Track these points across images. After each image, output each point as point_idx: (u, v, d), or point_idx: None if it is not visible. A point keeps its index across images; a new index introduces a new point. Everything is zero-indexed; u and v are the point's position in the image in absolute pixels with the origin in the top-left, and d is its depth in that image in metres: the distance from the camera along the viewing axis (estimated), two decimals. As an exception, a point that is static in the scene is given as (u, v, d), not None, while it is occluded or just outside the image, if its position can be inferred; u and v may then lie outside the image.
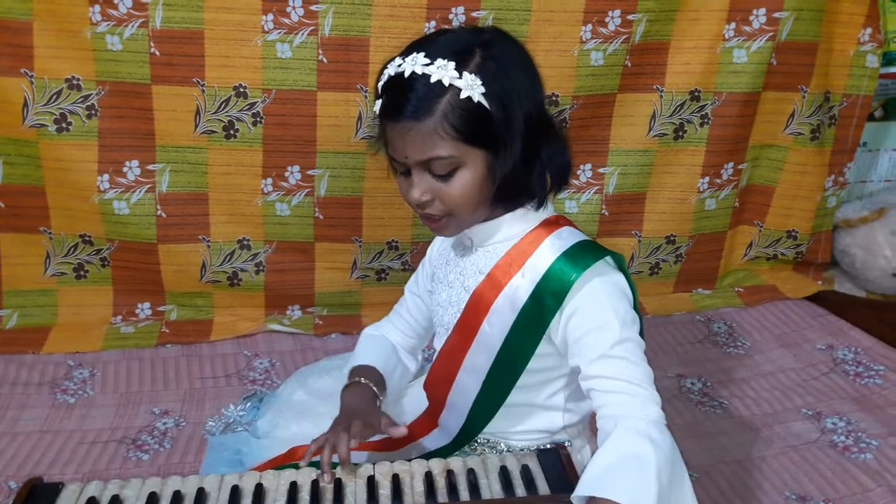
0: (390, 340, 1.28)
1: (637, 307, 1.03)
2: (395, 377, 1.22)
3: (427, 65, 0.93)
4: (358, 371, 1.18)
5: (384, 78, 0.98)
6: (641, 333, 1.01)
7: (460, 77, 0.92)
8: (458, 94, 0.92)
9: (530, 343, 1.02)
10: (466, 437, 1.13)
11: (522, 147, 0.97)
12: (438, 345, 1.14)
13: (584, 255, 1.00)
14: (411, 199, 0.99)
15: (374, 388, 1.13)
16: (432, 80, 0.92)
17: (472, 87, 0.92)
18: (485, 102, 0.93)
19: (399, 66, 0.95)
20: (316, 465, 1.06)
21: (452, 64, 0.92)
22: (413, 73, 0.93)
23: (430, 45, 0.95)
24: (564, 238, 1.03)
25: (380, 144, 1.02)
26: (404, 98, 0.93)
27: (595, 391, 0.97)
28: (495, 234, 1.06)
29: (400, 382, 1.25)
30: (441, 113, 0.93)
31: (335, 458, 1.00)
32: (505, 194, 1.01)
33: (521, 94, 0.96)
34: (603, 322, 0.97)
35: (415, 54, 0.94)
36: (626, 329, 0.97)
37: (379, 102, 0.98)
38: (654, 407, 0.95)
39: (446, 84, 0.92)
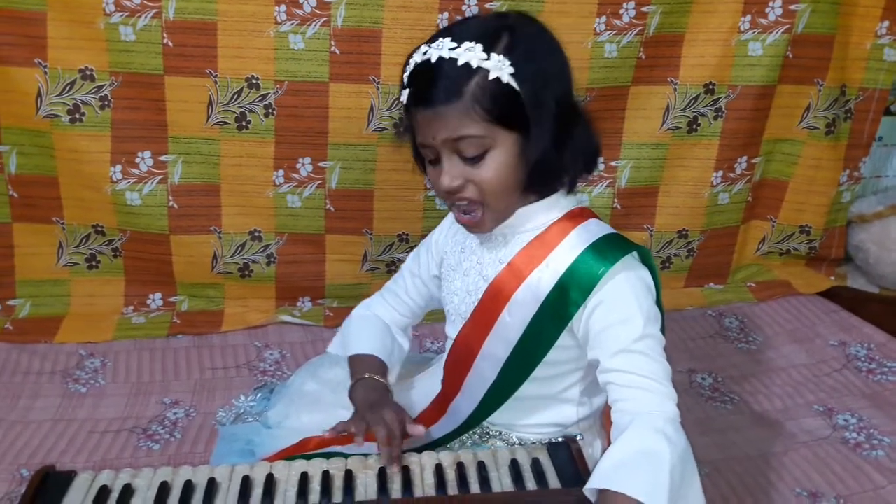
0: (383, 320, 1.26)
1: (660, 303, 1.02)
2: (393, 358, 1.21)
3: (454, 48, 0.92)
4: (360, 363, 1.16)
5: (410, 66, 0.96)
6: (663, 330, 1.00)
7: (488, 58, 0.91)
8: (487, 76, 0.91)
9: (551, 334, 1.02)
10: (472, 424, 1.12)
11: (554, 129, 0.95)
12: (452, 332, 1.13)
13: (612, 248, 0.99)
14: (443, 185, 0.97)
15: (384, 381, 1.13)
16: (460, 62, 0.91)
17: (500, 67, 0.91)
18: (514, 83, 0.92)
19: (425, 53, 0.94)
20: (325, 455, 1.06)
21: (480, 46, 0.91)
22: (440, 57, 0.92)
23: (457, 31, 0.94)
24: (592, 230, 1.02)
25: (406, 137, 1.01)
26: (432, 84, 0.92)
27: (613, 385, 0.97)
28: (520, 223, 1.04)
29: (396, 362, 1.23)
30: (471, 94, 0.91)
31: (363, 449, 0.99)
32: (537, 179, 0.99)
33: (551, 75, 0.95)
34: (627, 316, 0.97)
35: (441, 40, 0.93)
36: (649, 325, 0.97)
37: (406, 92, 0.97)
38: (670, 404, 0.94)
39: (474, 66, 0.91)
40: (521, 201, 1.02)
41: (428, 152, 0.98)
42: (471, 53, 0.91)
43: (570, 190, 1.04)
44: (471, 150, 0.94)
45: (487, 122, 0.93)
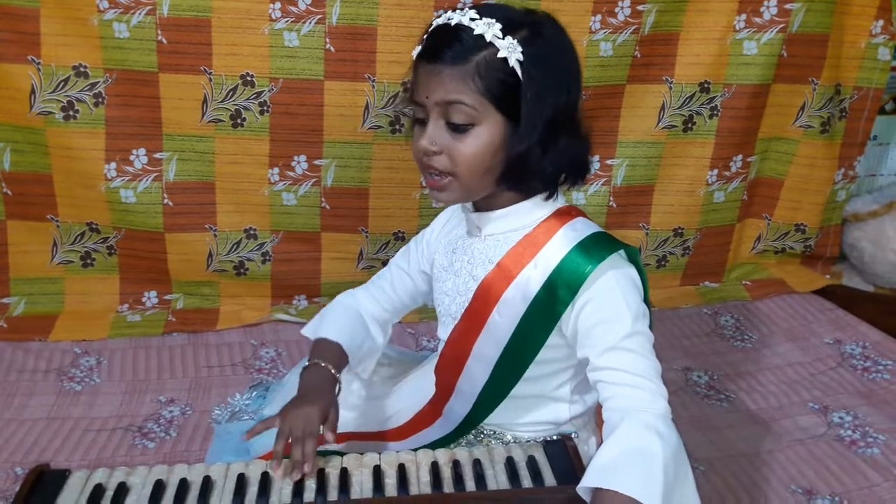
0: (361, 313, 1.24)
1: (648, 300, 1.02)
2: (362, 351, 1.20)
3: (474, 19, 0.94)
4: (319, 348, 1.14)
5: (431, 26, 0.98)
6: (651, 327, 1.01)
7: (503, 38, 0.93)
8: (496, 54, 0.93)
9: (541, 334, 1.02)
10: (469, 426, 1.13)
11: (543, 131, 0.96)
12: (444, 334, 1.13)
13: (599, 246, 1.00)
14: (420, 146, 0.98)
15: (334, 372, 1.10)
16: (475, 32, 0.93)
17: (510, 50, 0.93)
18: (518, 71, 0.93)
19: (448, 17, 0.96)
20: (321, 453, 1.06)
21: (499, 25, 0.94)
22: (459, 23, 0.94)
23: (484, 7, 0.97)
24: (579, 229, 1.02)
25: (406, 99, 1.01)
26: (444, 43, 0.94)
27: (603, 383, 0.97)
28: (507, 223, 1.05)
29: (366, 356, 1.22)
30: (475, 64, 0.93)
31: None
32: (513, 174, 0.99)
33: (557, 81, 0.96)
34: (615, 314, 0.97)
35: (466, 9, 0.96)
36: (637, 322, 0.97)
37: (418, 49, 0.99)
38: (661, 401, 0.94)
39: (487, 39, 0.93)
40: (491, 189, 1.02)
41: (418, 111, 0.99)
42: (488, 28, 0.93)
43: (550, 196, 1.03)
44: (459, 116, 0.95)
45: (481, 96, 0.94)
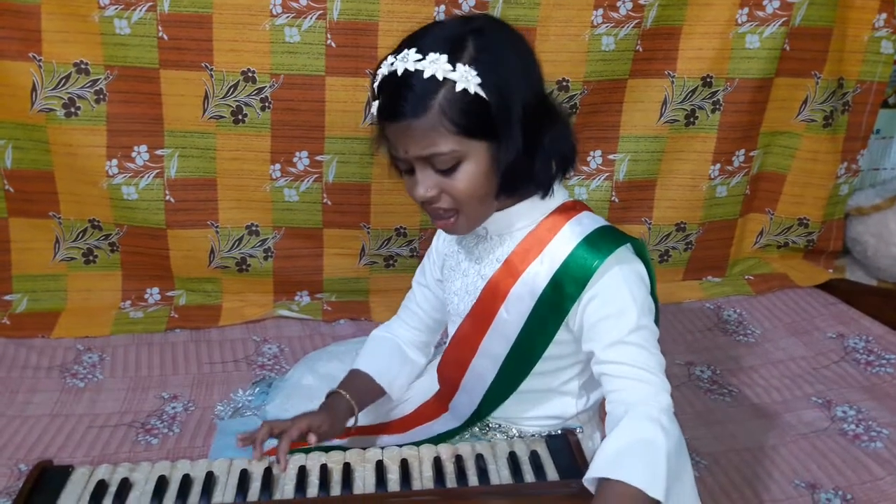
0: (397, 341, 1.26)
1: (654, 294, 1.02)
2: (402, 377, 1.22)
3: (419, 60, 0.90)
4: (348, 379, 1.18)
5: (378, 78, 0.95)
6: (657, 321, 1.01)
7: (454, 69, 0.90)
8: (454, 88, 0.90)
9: (549, 330, 1.02)
10: (475, 420, 1.13)
11: (523, 134, 0.94)
12: (452, 331, 1.13)
13: (605, 241, 0.99)
14: (417, 196, 0.97)
15: (351, 401, 1.12)
16: (426, 75, 0.90)
17: (466, 78, 0.90)
18: (482, 93, 0.91)
19: (392, 64, 0.93)
20: (324, 449, 1.06)
21: (445, 57, 0.90)
22: (406, 70, 0.91)
23: (421, 40, 0.93)
24: (584, 224, 1.02)
25: (381, 143, 1.00)
26: (400, 97, 0.91)
27: (607, 376, 0.97)
28: (511, 222, 1.04)
29: (408, 380, 1.25)
30: (438, 108, 0.90)
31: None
32: (510, 184, 0.99)
33: (518, 80, 0.94)
34: (621, 308, 0.97)
35: (406, 51, 0.92)
36: (643, 317, 0.97)
37: (376, 104, 0.96)
38: (665, 395, 0.94)
39: (440, 78, 0.90)
40: (497, 205, 1.02)
41: (401, 164, 0.98)
42: (436, 65, 0.90)
43: (546, 193, 1.03)
44: (443, 164, 0.94)
45: (457, 136, 0.92)
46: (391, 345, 1.25)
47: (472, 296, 1.08)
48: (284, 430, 1.04)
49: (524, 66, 0.96)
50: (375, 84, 0.96)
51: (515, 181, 0.99)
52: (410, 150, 0.94)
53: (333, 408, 1.11)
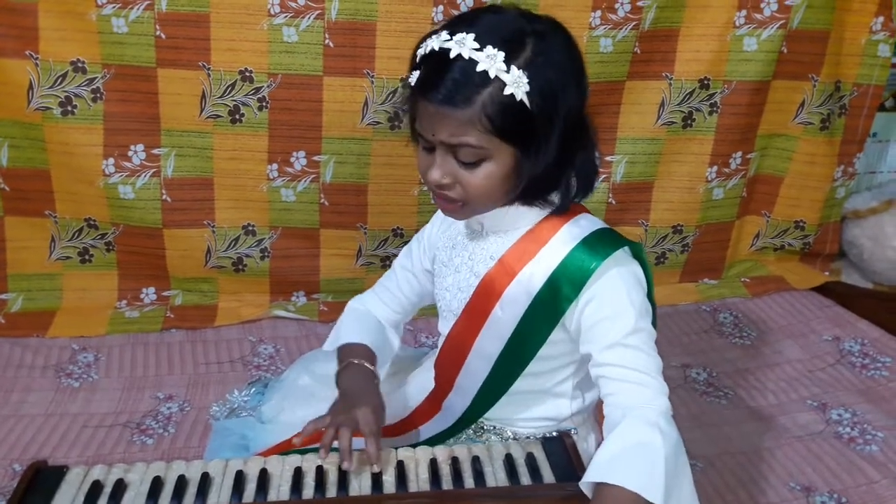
0: (375, 316, 1.25)
1: (652, 297, 1.02)
2: (384, 352, 1.20)
3: (476, 49, 0.88)
4: (349, 351, 1.15)
5: (426, 48, 0.91)
6: (654, 323, 1.00)
7: (508, 71, 0.87)
8: (502, 89, 0.88)
9: (544, 330, 1.01)
10: (468, 421, 1.12)
11: (557, 150, 0.93)
12: (444, 329, 1.13)
13: (603, 243, 0.99)
14: (430, 179, 0.96)
15: (371, 367, 1.11)
16: (478, 68, 0.87)
17: (517, 84, 0.88)
18: (527, 101, 0.89)
19: (446, 41, 0.89)
20: (314, 450, 1.06)
21: (502, 55, 0.87)
22: (460, 55, 0.88)
23: (481, 27, 0.89)
24: (582, 226, 1.01)
25: (404, 114, 0.99)
26: (446, 79, 0.88)
27: (605, 378, 0.97)
28: (510, 221, 1.04)
29: (386, 359, 1.22)
30: (480, 104, 0.88)
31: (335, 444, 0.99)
32: (531, 194, 0.98)
33: (566, 95, 0.92)
34: (619, 311, 0.97)
35: (464, 34, 0.88)
36: (640, 319, 0.97)
37: (415, 74, 0.93)
38: (662, 398, 0.94)
39: (492, 76, 0.87)
40: (503, 204, 1.01)
41: (423, 141, 0.97)
42: (491, 62, 0.87)
43: (561, 210, 1.01)
44: (467, 157, 0.93)
45: (489, 134, 0.90)
46: (373, 320, 1.24)
47: (465, 293, 1.08)
48: (354, 428, 0.99)
49: (576, 82, 0.94)
50: (421, 51, 0.93)
51: (538, 192, 0.98)
52: (438, 134, 0.92)
53: (371, 389, 1.07)
